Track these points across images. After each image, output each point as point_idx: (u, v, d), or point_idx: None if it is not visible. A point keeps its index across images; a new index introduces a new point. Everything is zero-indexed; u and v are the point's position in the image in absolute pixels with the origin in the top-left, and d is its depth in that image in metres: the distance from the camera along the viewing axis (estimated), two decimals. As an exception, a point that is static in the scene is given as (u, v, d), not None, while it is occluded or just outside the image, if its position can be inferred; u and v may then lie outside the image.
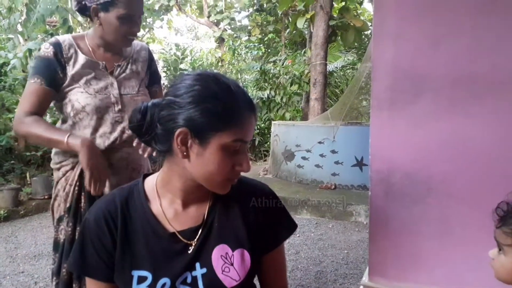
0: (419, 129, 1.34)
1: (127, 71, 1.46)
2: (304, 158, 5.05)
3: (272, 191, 0.98)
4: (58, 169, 1.42)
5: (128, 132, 1.38)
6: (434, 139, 1.32)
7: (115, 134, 1.38)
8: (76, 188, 1.37)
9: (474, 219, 1.27)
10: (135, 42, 1.51)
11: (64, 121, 1.42)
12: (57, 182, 1.42)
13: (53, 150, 1.45)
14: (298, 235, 3.50)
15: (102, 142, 1.37)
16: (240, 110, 0.79)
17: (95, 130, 1.37)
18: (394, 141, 1.38)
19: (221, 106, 0.77)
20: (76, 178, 1.37)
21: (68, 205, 1.37)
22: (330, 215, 4.09)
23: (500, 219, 0.99)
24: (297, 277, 2.67)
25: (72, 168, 1.39)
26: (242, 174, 0.96)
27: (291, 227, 0.99)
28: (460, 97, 1.27)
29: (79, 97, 1.35)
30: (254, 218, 0.90)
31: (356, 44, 8.60)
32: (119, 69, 1.44)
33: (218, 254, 0.85)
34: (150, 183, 0.91)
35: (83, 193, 1.37)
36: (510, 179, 1.22)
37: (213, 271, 0.84)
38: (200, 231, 0.86)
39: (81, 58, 1.38)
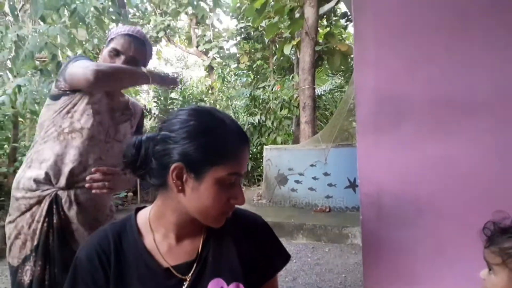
0: (405, 151, 1.36)
1: (127, 121, 1.52)
2: (297, 181, 5.04)
3: (265, 222, 0.98)
4: (18, 198, 1.34)
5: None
6: (420, 161, 1.34)
7: (92, 169, 1.38)
8: (45, 224, 1.31)
9: (465, 239, 1.27)
10: (132, 99, 1.61)
11: (46, 135, 1.38)
12: (18, 217, 1.34)
13: (25, 174, 1.37)
14: (294, 260, 3.45)
15: (81, 169, 1.36)
16: (234, 144, 0.80)
17: (81, 154, 1.36)
18: (381, 164, 1.40)
19: (216, 141, 0.78)
20: (44, 213, 1.31)
21: (35, 243, 1.30)
22: (326, 239, 4.05)
23: (488, 239, 1.00)
24: (295, 304, 2.62)
25: (38, 203, 1.32)
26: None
27: (285, 258, 0.98)
28: (441, 119, 1.30)
29: (82, 118, 1.37)
30: (248, 250, 0.90)
31: (342, 67, 8.76)
32: (122, 116, 1.49)
33: None
34: (143, 217, 0.90)
35: (51, 230, 1.31)
36: (495, 197, 1.24)
37: None
38: (194, 265, 0.85)
39: None
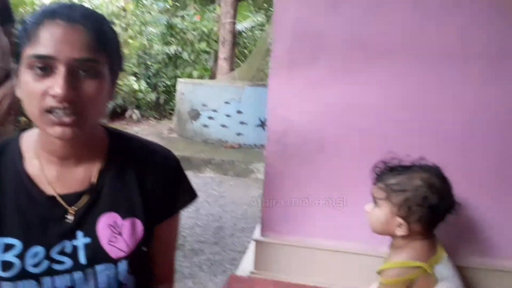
0: (315, 91, 1.39)
1: None
2: (210, 117, 5.02)
3: (175, 157, 0.90)
4: None
5: None
6: (328, 101, 1.38)
7: None
8: None
9: (360, 178, 1.37)
10: None
11: None
12: None
13: None
14: (200, 193, 3.51)
15: None
16: (38, 20, 0.68)
17: None
18: (291, 102, 1.41)
19: (25, 25, 0.69)
20: None
21: None
22: (232, 173, 4.18)
23: (377, 176, 1.10)
24: (196, 233, 2.72)
25: None
26: (145, 136, 0.88)
27: (190, 197, 0.92)
28: (353, 61, 1.34)
29: None
30: (152, 185, 0.83)
31: (265, 5, 8.58)
32: None
33: (106, 223, 0.78)
34: (28, 140, 0.79)
35: None
36: (393, 140, 1.33)
37: (97, 241, 0.77)
38: (85, 196, 0.78)
39: None
